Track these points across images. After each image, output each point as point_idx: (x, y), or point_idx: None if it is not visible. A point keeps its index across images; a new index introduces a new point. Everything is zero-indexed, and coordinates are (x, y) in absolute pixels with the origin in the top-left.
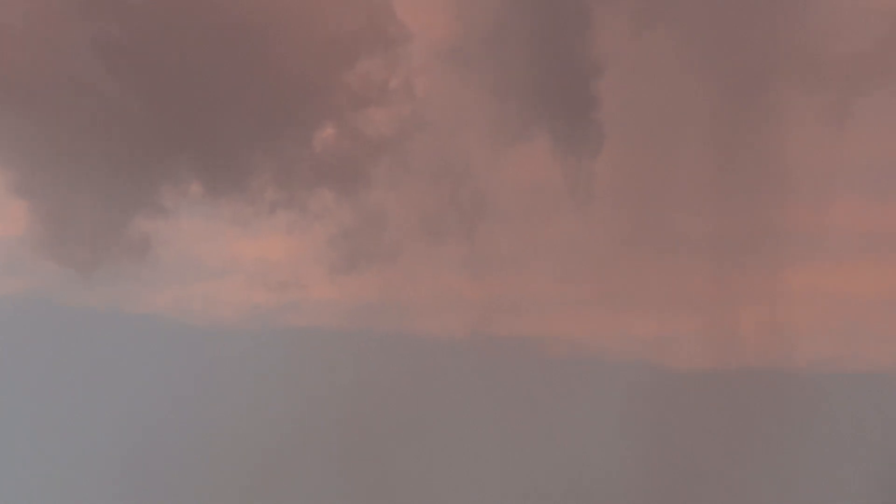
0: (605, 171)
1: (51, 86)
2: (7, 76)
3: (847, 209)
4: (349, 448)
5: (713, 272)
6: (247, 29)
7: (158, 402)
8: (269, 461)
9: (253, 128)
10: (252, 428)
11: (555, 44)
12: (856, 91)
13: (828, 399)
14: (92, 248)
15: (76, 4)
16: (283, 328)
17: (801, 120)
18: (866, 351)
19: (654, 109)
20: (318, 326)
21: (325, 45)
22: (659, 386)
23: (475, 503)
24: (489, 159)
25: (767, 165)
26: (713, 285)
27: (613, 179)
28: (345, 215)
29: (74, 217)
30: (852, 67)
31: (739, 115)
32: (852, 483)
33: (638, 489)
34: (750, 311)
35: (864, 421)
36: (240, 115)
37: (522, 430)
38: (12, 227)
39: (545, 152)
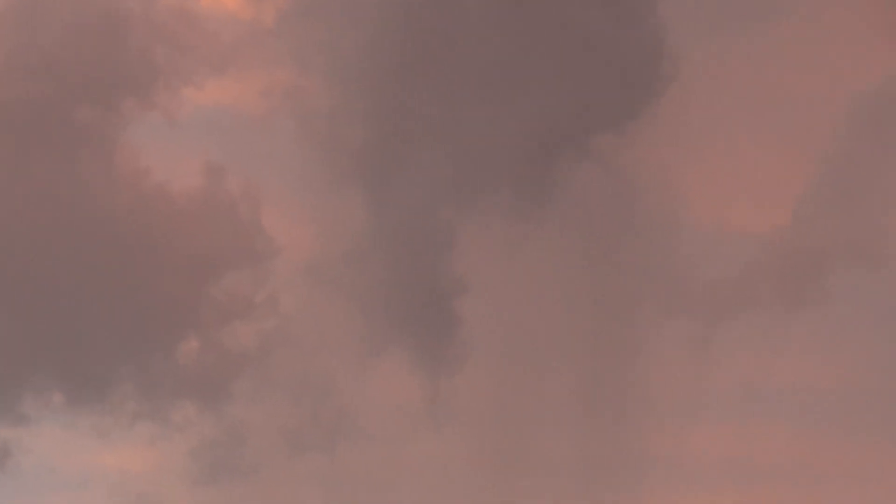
0: (467, 392)
1: None
2: None
3: (709, 435)
4: None
5: (576, 496)
6: (112, 241)
7: None
8: None
9: (116, 339)
10: None
11: (419, 262)
12: (720, 317)
13: None
14: None
15: None
16: None
17: (666, 345)
18: None
19: (518, 331)
20: None
21: (191, 257)
22: None
23: None
24: (351, 377)
25: (631, 390)
26: None
27: (475, 400)
28: (207, 428)
29: None
30: (717, 293)
31: (604, 338)
32: None
33: None
34: None
35: None
36: (104, 326)
37: None
38: None
39: (406, 371)
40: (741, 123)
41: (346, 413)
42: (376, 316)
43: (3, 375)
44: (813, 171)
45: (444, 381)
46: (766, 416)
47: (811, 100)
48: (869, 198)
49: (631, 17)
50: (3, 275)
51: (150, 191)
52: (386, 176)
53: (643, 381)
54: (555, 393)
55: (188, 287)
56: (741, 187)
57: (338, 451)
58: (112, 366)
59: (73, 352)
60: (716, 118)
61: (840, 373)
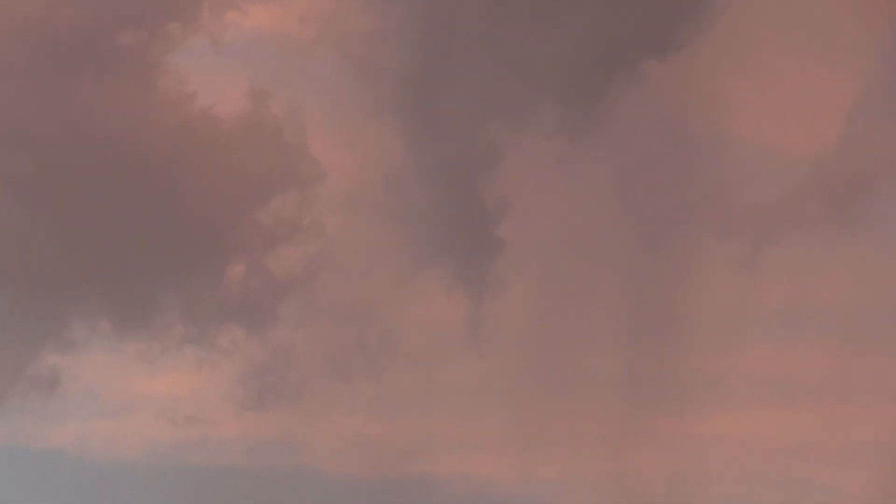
0: (511, 314)
1: None
2: None
3: (754, 354)
4: None
5: (620, 415)
6: (158, 165)
7: None
8: None
9: (162, 264)
10: None
11: (462, 184)
12: (767, 238)
13: None
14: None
15: None
16: (188, 465)
17: (713, 266)
18: (771, 497)
19: (561, 252)
20: (223, 464)
21: (238, 181)
22: None
23: None
24: (396, 300)
25: (677, 310)
26: (620, 428)
27: (518, 322)
28: (253, 352)
29: None
30: (765, 215)
31: (650, 259)
32: None
33: None
34: (656, 454)
35: None
36: (150, 251)
37: None
38: None
39: (450, 294)
40: (788, 45)
41: (390, 336)
42: (420, 239)
43: (51, 302)
44: (860, 92)
45: (488, 302)
46: (810, 336)
47: (857, 20)
48: None
49: None
50: (51, 202)
51: (195, 115)
52: (428, 98)
53: (688, 301)
54: (598, 314)
55: (234, 211)
56: (788, 109)
57: (383, 374)
58: (158, 291)
59: (120, 277)
60: (763, 40)
61: (885, 293)
